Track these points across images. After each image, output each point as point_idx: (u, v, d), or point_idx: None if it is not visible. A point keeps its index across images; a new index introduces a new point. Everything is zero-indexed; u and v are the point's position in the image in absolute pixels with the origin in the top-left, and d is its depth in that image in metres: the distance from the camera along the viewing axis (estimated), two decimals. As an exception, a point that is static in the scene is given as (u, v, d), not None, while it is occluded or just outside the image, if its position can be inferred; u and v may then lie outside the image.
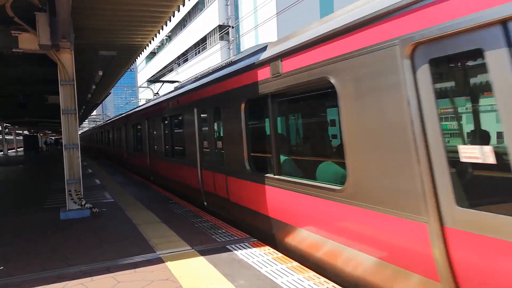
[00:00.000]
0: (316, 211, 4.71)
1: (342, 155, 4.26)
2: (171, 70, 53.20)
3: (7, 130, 48.69)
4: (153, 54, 62.45)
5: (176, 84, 14.24)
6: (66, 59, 8.47)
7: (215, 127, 8.02)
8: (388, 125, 3.55)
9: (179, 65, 51.03)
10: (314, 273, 4.60)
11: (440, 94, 3.19)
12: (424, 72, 3.17)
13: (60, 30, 7.82)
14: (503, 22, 2.60)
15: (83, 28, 9.33)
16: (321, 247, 4.68)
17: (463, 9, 2.77)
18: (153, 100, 14.24)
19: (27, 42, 8.20)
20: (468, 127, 3.46)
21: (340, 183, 4.47)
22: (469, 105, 3.42)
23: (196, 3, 44.18)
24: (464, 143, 3.32)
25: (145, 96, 60.42)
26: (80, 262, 5.30)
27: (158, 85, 56.44)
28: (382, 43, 3.55)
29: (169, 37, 54.57)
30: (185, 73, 45.12)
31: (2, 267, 5.23)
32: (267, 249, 5.53)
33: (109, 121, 29.28)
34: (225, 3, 39.13)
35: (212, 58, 38.75)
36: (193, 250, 5.61)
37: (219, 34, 39.33)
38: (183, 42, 48.77)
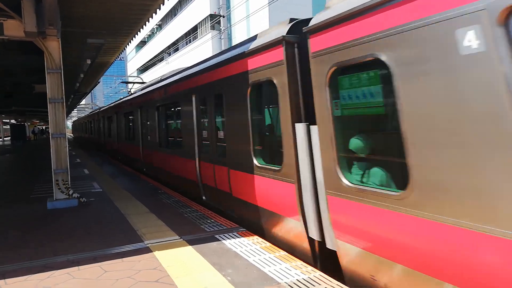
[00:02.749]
0: None
1: None
2: (162, 60, 52.66)
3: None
4: (143, 43, 61.70)
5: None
6: (53, 47, 8.31)
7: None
8: None
9: (169, 54, 50.53)
10: (302, 262, 4.63)
11: None
12: None
13: (46, 17, 7.67)
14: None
15: (70, 15, 9.16)
16: None
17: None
18: (207, 61, 8.10)
19: (13, 29, 8.03)
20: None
21: None
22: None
23: (187, -9, 43.64)
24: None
25: (135, 85, 59.76)
26: (66, 252, 5.27)
27: (147, 75, 55.98)
28: None
29: (160, 26, 53.91)
30: (176, 63, 44.73)
31: (-13, 257, 5.18)
32: (256, 238, 5.56)
33: (113, 104, 20.65)
34: (217, -8, 38.70)
35: (203, 47, 38.42)
36: (182, 239, 5.61)
37: (210, 24, 38.95)
38: (174, 31, 48.23)
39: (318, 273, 4.28)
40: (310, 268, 4.44)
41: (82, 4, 8.61)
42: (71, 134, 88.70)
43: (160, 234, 5.93)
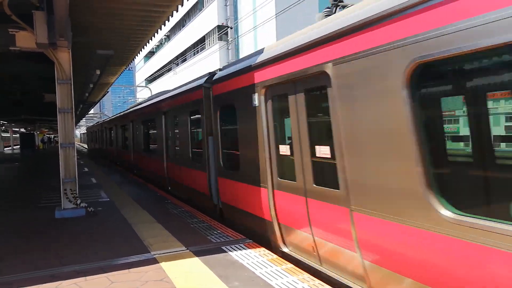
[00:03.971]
0: None
1: None
2: (169, 70, 53.16)
3: (3, 127, 48.50)
4: (151, 53, 62.40)
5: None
6: (64, 58, 8.45)
7: None
8: None
9: (177, 65, 51.01)
10: (309, 275, 4.60)
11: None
12: None
13: (57, 28, 7.81)
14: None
15: (80, 27, 9.32)
16: None
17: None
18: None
19: (25, 40, 8.19)
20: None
21: None
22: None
23: (196, 3, 44.19)
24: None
25: (143, 95, 60.37)
26: (74, 262, 5.28)
27: (155, 85, 56.47)
28: None
29: (168, 37, 54.54)
30: (184, 73, 45.11)
31: (-5, 266, 5.21)
32: (262, 250, 5.53)
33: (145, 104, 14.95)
34: (225, 3, 39.15)
35: (210, 58, 38.76)
36: (188, 250, 5.60)
37: (218, 35, 39.33)
38: (182, 42, 48.74)
39: (326, 287, 4.24)
40: (317, 281, 4.40)
41: (93, 16, 8.77)
42: (81, 144, 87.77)
43: (166, 244, 5.93)
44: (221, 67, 8.23)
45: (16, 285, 4.53)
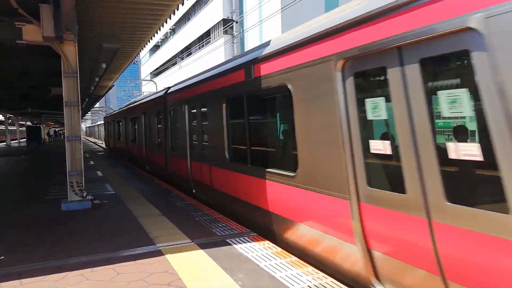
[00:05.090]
0: None
1: None
2: (175, 64, 53.16)
3: (10, 120, 48.82)
4: (156, 47, 62.39)
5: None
6: (70, 51, 8.48)
7: None
8: None
9: (182, 59, 50.98)
10: (313, 268, 4.63)
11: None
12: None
13: (64, 22, 7.83)
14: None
15: (87, 21, 9.34)
16: None
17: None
18: None
19: (31, 33, 8.22)
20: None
21: None
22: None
23: (201, -4, 44.06)
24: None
25: (149, 89, 60.46)
26: (80, 253, 5.35)
27: (160, 79, 56.46)
28: None
29: (173, 30, 54.46)
30: (189, 67, 45.08)
31: (2, 257, 5.28)
32: (267, 243, 5.56)
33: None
34: (230, -3, 39.00)
35: (216, 52, 38.68)
36: (193, 243, 5.65)
37: (223, 28, 39.21)
38: (187, 35, 48.67)
39: (329, 280, 4.26)
40: (321, 274, 4.43)
41: (99, 9, 8.77)
42: (87, 138, 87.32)
43: (172, 237, 5.98)
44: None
45: (24, 275, 4.60)
